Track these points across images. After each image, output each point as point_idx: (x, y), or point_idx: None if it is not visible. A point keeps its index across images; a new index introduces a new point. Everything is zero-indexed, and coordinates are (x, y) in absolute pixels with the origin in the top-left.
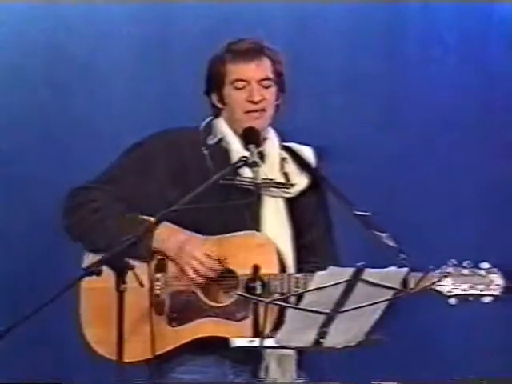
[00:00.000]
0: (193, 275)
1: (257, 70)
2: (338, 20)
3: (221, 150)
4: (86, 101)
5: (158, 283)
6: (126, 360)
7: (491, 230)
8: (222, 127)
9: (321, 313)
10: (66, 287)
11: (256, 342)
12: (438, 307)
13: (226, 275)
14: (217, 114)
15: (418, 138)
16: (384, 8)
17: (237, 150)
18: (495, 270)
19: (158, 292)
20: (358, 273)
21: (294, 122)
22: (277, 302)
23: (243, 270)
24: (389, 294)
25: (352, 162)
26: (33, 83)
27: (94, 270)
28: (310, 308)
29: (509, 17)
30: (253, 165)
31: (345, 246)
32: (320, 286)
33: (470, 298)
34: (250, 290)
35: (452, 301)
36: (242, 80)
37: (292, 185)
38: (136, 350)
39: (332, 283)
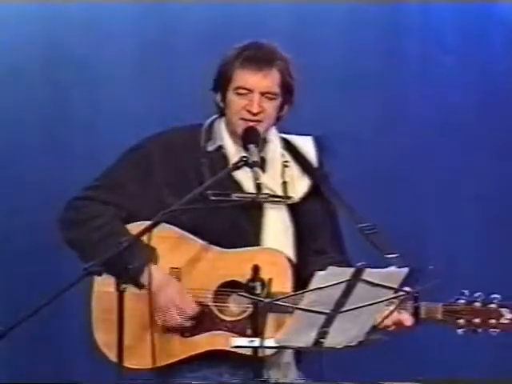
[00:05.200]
0: (178, 319)
1: (262, 81)
2: (337, 20)
3: (219, 158)
4: (85, 100)
5: None
6: (132, 366)
7: (491, 234)
8: (222, 132)
9: (321, 313)
10: (66, 287)
11: (256, 342)
12: None
13: (239, 290)
14: (221, 113)
15: (418, 138)
16: (384, 8)
17: (234, 155)
18: (506, 303)
19: None
20: (358, 273)
21: (293, 121)
22: (277, 302)
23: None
24: (389, 294)
25: (351, 162)
26: (32, 83)
27: (93, 271)
28: (310, 308)
29: (509, 17)
30: (253, 165)
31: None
32: (320, 286)
33: (479, 330)
34: (250, 290)
35: (460, 331)
36: (244, 88)
37: (289, 197)
38: (144, 358)
39: (332, 283)
